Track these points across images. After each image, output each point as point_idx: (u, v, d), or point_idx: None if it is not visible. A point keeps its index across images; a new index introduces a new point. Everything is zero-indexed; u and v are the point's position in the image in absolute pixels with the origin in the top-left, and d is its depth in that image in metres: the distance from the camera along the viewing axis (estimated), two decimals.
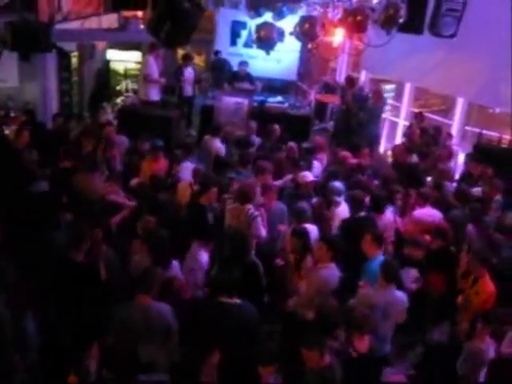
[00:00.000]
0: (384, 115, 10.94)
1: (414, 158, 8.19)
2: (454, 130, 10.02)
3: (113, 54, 12.47)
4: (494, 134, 9.35)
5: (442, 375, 4.96)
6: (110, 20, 10.12)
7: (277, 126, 8.48)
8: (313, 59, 13.05)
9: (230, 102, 9.69)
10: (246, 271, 4.72)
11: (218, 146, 7.80)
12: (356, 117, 9.76)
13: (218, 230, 5.59)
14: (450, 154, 8.40)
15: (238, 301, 4.29)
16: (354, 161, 7.52)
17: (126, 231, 5.45)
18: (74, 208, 5.42)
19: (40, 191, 5.79)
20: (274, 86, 12.10)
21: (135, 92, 11.38)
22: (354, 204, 5.94)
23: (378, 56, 10.09)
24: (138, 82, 10.73)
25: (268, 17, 8.91)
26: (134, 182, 6.43)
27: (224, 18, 11.97)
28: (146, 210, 5.42)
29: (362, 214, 5.86)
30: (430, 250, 5.53)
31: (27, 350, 4.12)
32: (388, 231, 5.87)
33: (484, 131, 9.38)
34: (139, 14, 10.36)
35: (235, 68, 11.10)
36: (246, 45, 11.86)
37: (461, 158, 9.17)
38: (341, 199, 6.12)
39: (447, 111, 11.46)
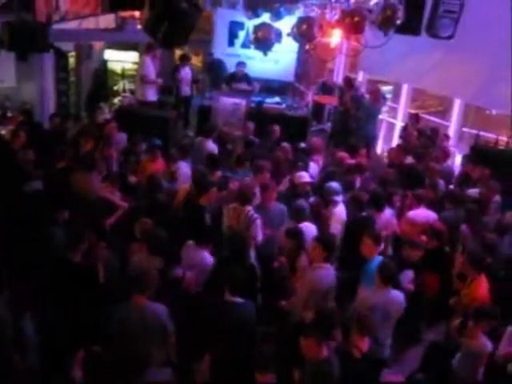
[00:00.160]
0: (381, 116, 10.95)
1: (409, 160, 8.19)
2: (451, 132, 10.04)
3: (110, 54, 12.44)
4: (491, 136, 9.36)
5: (439, 375, 4.95)
6: (107, 20, 10.10)
7: (277, 127, 8.48)
8: (310, 60, 13.04)
9: (228, 102, 9.66)
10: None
11: (211, 146, 7.76)
12: (354, 117, 9.76)
13: (216, 230, 5.58)
14: (446, 155, 8.41)
15: (239, 299, 4.30)
16: (351, 161, 7.53)
17: (123, 232, 5.44)
18: (71, 208, 5.41)
19: (33, 190, 5.76)
20: (271, 86, 12.08)
21: (132, 92, 11.34)
22: (355, 204, 5.95)
23: (375, 57, 10.10)
24: (135, 83, 10.73)
25: (266, 17, 8.90)
26: (133, 180, 6.43)
27: (222, 18, 11.95)
28: (143, 210, 5.41)
29: (362, 214, 5.86)
30: (426, 250, 5.54)
31: (25, 350, 4.10)
32: (387, 229, 5.89)
33: (481, 133, 9.41)
34: (136, 14, 10.35)
35: (231, 69, 11.09)
36: (244, 45, 11.83)
37: (458, 159, 9.19)
38: (339, 198, 6.11)
39: (444, 112, 11.50)
